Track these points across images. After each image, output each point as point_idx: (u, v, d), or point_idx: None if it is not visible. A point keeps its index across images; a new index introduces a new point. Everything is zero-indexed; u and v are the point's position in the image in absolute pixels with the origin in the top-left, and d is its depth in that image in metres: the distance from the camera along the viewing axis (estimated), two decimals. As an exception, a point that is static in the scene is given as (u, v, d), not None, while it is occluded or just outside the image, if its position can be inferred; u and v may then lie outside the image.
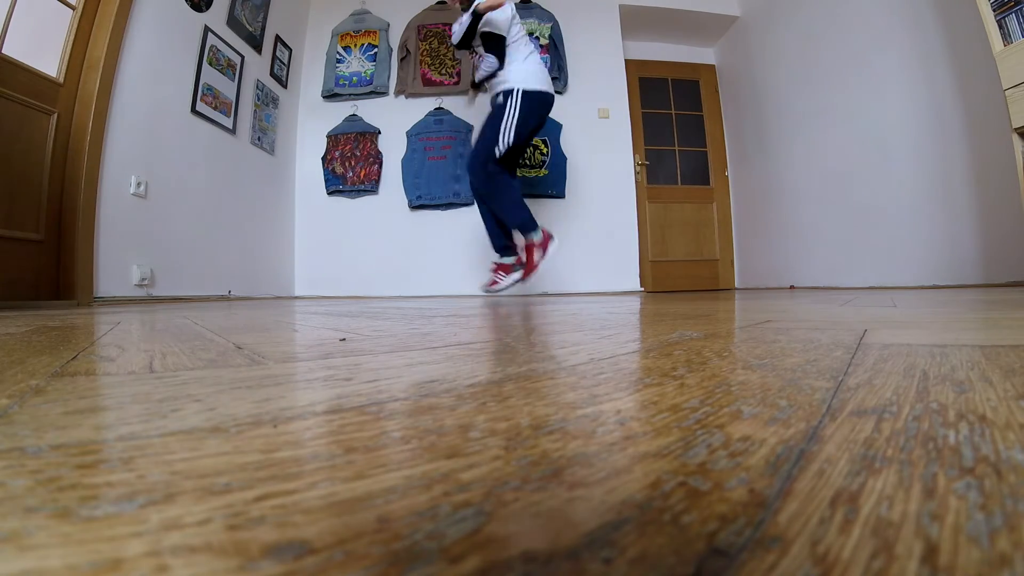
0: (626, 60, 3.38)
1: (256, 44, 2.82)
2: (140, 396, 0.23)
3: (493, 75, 2.13)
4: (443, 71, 3.19)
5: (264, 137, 2.93)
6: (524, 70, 2.09)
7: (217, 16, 2.50)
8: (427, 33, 3.22)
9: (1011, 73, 1.62)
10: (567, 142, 3.12)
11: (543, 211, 3.10)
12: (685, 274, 3.60)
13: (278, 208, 3.11)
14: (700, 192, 3.70)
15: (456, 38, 2.10)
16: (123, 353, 0.40)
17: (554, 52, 3.18)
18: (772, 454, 0.14)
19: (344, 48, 3.28)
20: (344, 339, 0.48)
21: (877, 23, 2.39)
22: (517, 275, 2.14)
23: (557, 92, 3.21)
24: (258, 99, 2.86)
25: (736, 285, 3.66)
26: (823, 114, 2.76)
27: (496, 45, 2.07)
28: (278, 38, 3.04)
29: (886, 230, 2.40)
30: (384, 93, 3.23)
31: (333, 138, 3.23)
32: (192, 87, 2.35)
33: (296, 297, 3.13)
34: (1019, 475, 0.12)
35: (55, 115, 1.82)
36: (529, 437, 0.16)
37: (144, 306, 1.59)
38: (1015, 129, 1.63)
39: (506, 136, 2.02)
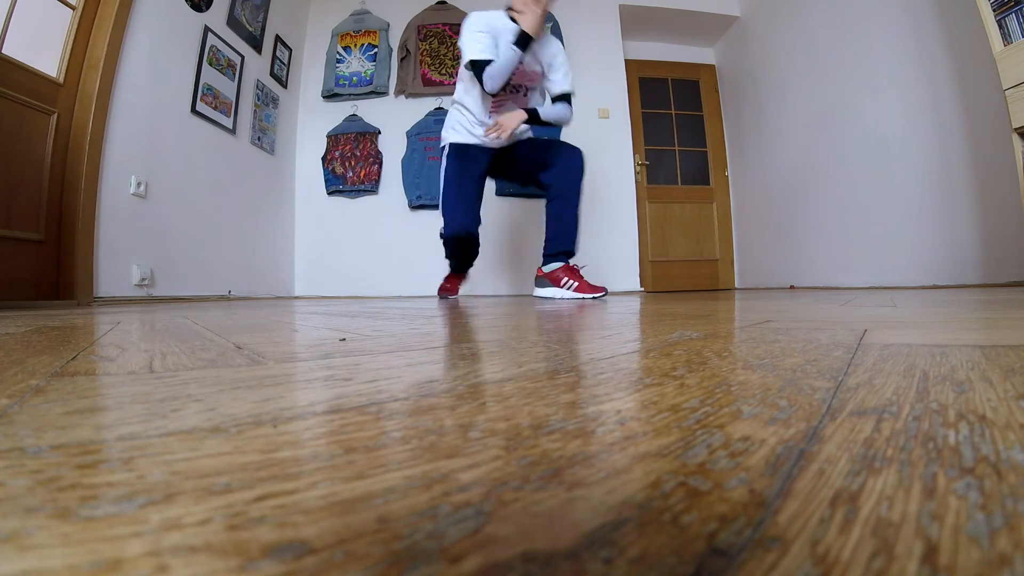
0: (626, 60, 3.38)
1: (256, 44, 2.83)
2: (140, 396, 0.23)
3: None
4: (443, 71, 3.19)
5: (264, 137, 2.93)
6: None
7: (217, 16, 2.50)
8: (427, 33, 3.23)
9: (1011, 73, 1.62)
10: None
11: (543, 211, 3.10)
12: (685, 274, 3.60)
13: (278, 208, 3.11)
14: (700, 192, 3.70)
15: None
16: (123, 353, 0.40)
17: (554, 52, 3.18)
18: (772, 454, 0.14)
19: (344, 48, 3.28)
20: (344, 339, 0.48)
21: (877, 23, 2.39)
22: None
23: (557, 92, 3.23)
24: (258, 99, 2.86)
25: (736, 285, 3.66)
26: (823, 114, 2.76)
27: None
28: (278, 38, 3.04)
29: (886, 230, 2.40)
30: (384, 93, 3.23)
31: (333, 138, 3.23)
32: (192, 87, 2.35)
33: (296, 297, 3.13)
34: (1019, 475, 0.12)
35: (55, 115, 1.82)
36: (529, 437, 0.16)
37: (144, 306, 1.59)
38: (1015, 129, 1.63)
39: None
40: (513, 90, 1.97)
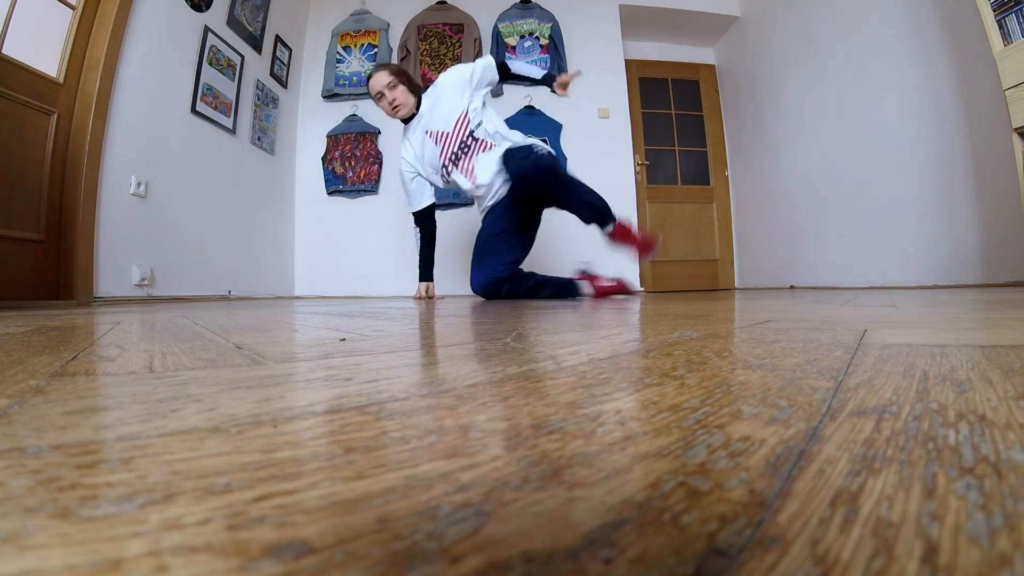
0: (626, 60, 3.38)
1: (256, 44, 2.83)
2: (140, 396, 0.23)
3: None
4: (443, 71, 3.20)
5: (264, 137, 2.93)
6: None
7: (217, 16, 2.50)
8: (427, 33, 3.23)
9: (1011, 73, 1.62)
10: (567, 142, 3.12)
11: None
12: (685, 274, 3.60)
13: (278, 208, 3.11)
14: (700, 192, 3.70)
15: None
16: (123, 353, 0.40)
17: (554, 52, 3.19)
18: (772, 454, 0.14)
19: (344, 48, 3.28)
20: (344, 339, 0.48)
21: (877, 23, 2.39)
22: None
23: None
24: (258, 99, 2.86)
25: (736, 285, 3.66)
26: (823, 114, 2.76)
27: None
28: (278, 38, 3.04)
29: (886, 230, 2.40)
30: (384, 93, 3.22)
31: (333, 138, 3.23)
32: (192, 87, 2.35)
33: (296, 297, 3.13)
34: (1019, 475, 0.12)
35: (55, 115, 1.82)
36: (529, 437, 0.16)
37: (144, 306, 1.59)
38: (1015, 129, 1.63)
39: None
40: (454, 158, 1.88)
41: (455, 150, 1.86)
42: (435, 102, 1.88)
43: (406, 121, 1.92)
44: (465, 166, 1.87)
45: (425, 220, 1.97)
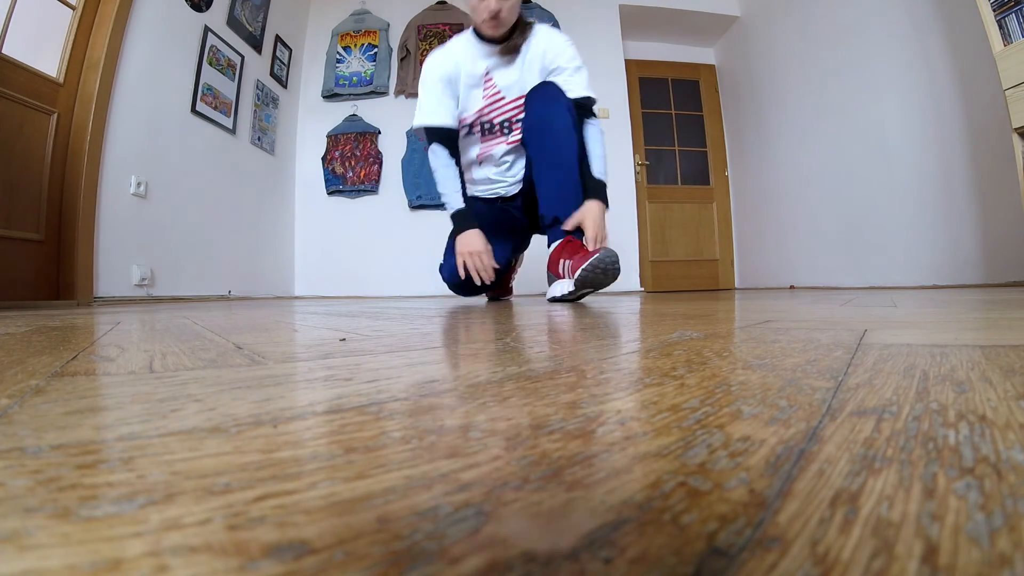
0: (626, 60, 3.38)
1: (256, 44, 2.83)
2: (140, 396, 0.23)
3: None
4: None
5: (264, 137, 2.93)
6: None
7: (217, 16, 2.50)
8: (427, 33, 3.23)
9: (1011, 73, 1.62)
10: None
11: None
12: (685, 274, 3.60)
13: (278, 208, 3.11)
14: (700, 192, 3.70)
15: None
16: (123, 353, 0.40)
17: (554, 52, 3.18)
18: (772, 454, 0.14)
19: (344, 48, 3.28)
20: (344, 339, 0.48)
21: (877, 23, 2.39)
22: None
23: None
24: (258, 99, 2.86)
25: (736, 285, 3.66)
26: (823, 114, 2.76)
27: None
28: (278, 38, 3.04)
29: (886, 230, 2.40)
30: (384, 93, 3.23)
31: (333, 138, 3.23)
32: (192, 87, 2.35)
33: (296, 297, 3.14)
34: (1019, 475, 0.12)
35: (55, 115, 1.82)
36: (529, 437, 0.16)
37: (144, 306, 1.59)
38: (1015, 129, 1.63)
39: None
40: (500, 129, 1.45)
41: (498, 121, 1.45)
42: (522, 58, 1.40)
43: (482, 39, 1.41)
44: (491, 141, 1.50)
45: (448, 142, 1.46)
